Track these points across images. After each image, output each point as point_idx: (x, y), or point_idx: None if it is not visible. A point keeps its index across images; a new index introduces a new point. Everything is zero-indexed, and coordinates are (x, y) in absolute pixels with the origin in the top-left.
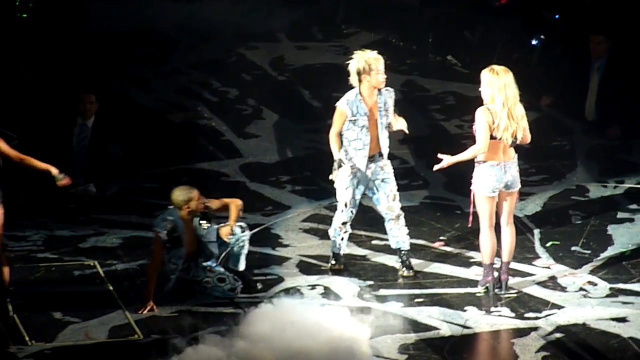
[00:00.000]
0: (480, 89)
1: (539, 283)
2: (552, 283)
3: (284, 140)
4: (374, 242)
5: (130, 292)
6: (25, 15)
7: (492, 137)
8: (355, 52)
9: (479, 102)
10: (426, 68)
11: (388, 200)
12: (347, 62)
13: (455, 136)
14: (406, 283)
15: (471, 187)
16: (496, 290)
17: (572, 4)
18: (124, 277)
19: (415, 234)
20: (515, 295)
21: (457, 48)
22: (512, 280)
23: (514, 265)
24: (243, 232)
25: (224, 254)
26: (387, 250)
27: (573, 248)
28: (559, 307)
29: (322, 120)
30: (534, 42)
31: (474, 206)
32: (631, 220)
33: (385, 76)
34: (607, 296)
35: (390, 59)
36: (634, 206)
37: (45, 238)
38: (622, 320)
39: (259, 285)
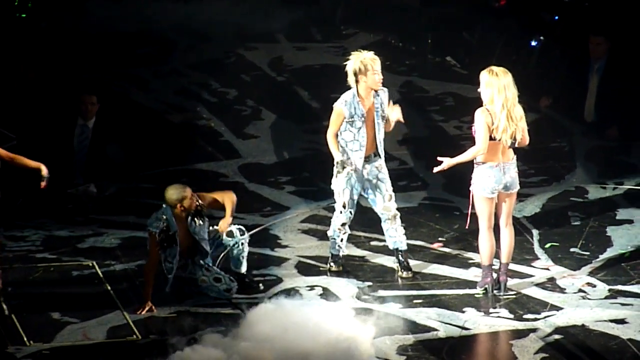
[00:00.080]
0: (479, 90)
1: (537, 284)
2: (551, 284)
3: (282, 141)
4: (372, 243)
5: (129, 292)
6: (24, 16)
7: (491, 139)
8: (352, 52)
9: (478, 103)
10: (425, 69)
11: (384, 200)
12: (345, 63)
13: (455, 137)
14: (405, 284)
15: (470, 188)
16: (495, 291)
17: (572, 5)
18: (122, 277)
19: (414, 235)
20: (514, 296)
21: (456, 49)
22: (511, 282)
23: (512, 266)
24: (242, 234)
25: (222, 255)
26: (386, 251)
27: (572, 249)
28: (558, 308)
29: (321, 121)
30: (533, 43)
31: (473, 207)
32: (630, 221)
33: (381, 77)
34: (606, 298)
35: (389, 59)
36: (632, 208)
37: (43, 238)
38: (621, 321)
39: (261, 286)
